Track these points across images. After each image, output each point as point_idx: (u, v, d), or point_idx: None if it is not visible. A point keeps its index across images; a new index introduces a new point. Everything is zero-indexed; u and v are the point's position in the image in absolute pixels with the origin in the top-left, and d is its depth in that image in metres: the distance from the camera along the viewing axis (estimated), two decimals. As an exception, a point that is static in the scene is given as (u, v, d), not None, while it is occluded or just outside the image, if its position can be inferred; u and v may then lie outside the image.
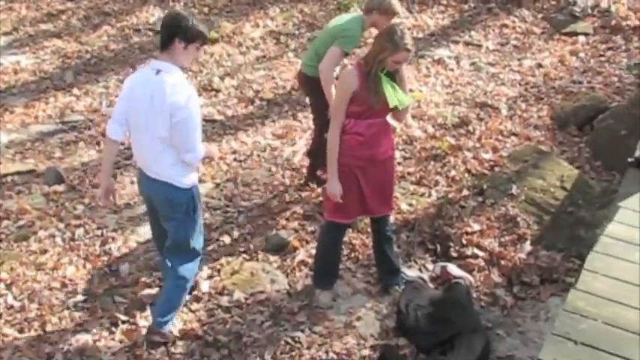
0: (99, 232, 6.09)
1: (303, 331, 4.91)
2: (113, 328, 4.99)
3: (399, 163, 6.68)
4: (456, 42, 9.68)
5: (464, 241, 5.67)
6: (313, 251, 5.51)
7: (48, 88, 8.96)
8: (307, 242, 5.81)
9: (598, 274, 4.35)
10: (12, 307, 5.21)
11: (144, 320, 5.00)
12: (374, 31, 5.81)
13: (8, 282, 5.44)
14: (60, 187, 6.76)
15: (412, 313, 4.88)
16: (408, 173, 6.70)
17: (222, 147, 7.42)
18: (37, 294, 5.32)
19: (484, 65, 9.01)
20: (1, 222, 6.21)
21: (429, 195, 6.37)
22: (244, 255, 5.72)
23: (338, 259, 5.35)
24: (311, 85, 5.92)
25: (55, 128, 8.00)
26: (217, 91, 8.68)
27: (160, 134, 4.33)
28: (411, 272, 5.41)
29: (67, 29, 10.75)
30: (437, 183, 6.54)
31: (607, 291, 4.22)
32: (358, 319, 5.01)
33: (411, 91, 7.45)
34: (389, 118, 4.91)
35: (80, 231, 6.09)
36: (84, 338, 4.90)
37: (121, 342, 4.86)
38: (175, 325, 4.93)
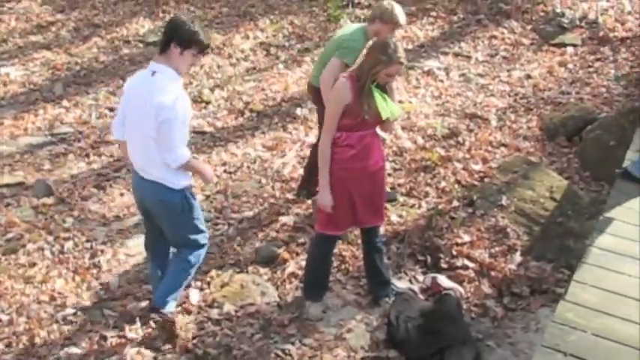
0: (88, 245, 6.06)
1: (293, 343, 4.89)
2: (102, 342, 4.95)
3: (389, 175, 6.68)
4: (446, 53, 9.71)
5: (454, 253, 5.67)
6: (303, 263, 5.50)
7: (37, 100, 8.94)
8: (297, 254, 5.80)
9: (587, 286, 4.35)
10: (0, 321, 5.17)
11: (133, 333, 4.97)
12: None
13: (-4, 296, 5.42)
14: (49, 200, 6.73)
15: (402, 324, 4.87)
16: (398, 184, 6.71)
17: (212, 159, 7.41)
18: (26, 307, 5.28)
19: (473, 76, 9.05)
20: (-11, 235, 6.18)
21: (419, 206, 6.38)
22: (234, 267, 5.71)
23: (328, 271, 5.34)
24: (318, 96, 5.90)
25: (45, 140, 7.97)
26: (207, 102, 8.68)
27: (149, 134, 4.39)
28: (401, 284, 5.41)
29: (56, 41, 10.73)
30: (427, 194, 6.55)
31: (596, 302, 4.22)
32: (348, 331, 5.00)
33: (400, 102, 7.48)
34: (377, 129, 4.92)
35: (69, 244, 6.07)
36: (73, 352, 4.87)
37: (110, 356, 4.83)
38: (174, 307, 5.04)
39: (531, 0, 10.72)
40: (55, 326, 5.11)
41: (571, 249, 5.59)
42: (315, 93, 6.02)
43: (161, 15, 11.32)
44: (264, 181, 6.97)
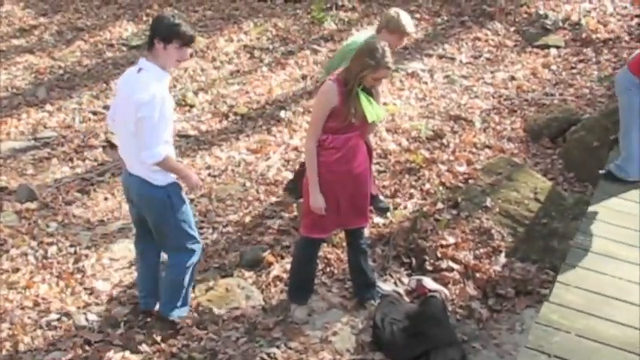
0: (72, 250, 6.03)
1: (278, 347, 4.88)
2: (87, 347, 4.93)
3: (374, 177, 6.68)
4: (430, 55, 9.73)
5: (439, 254, 5.67)
6: (288, 266, 5.49)
7: (20, 104, 8.87)
8: (282, 257, 5.80)
9: (571, 287, 4.38)
10: (-17, 327, 5.14)
11: (117, 339, 4.95)
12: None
13: (-21, 302, 5.38)
14: (32, 205, 6.69)
15: (388, 327, 4.87)
16: (383, 187, 6.71)
17: (196, 162, 7.40)
18: (9, 313, 5.24)
19: (457, 78, 9.07)
20: (-28, 241, 6.13)
21: (404, 208, 6.39)
22: (219, 271, 5.70)
23: (313, 273, 5.34)
24: None
25: (28, 145, 7.91)
26: (191, 106, 8.66)
27: (131, 129, 4.44)
28: (386, 286, 5.41)
29: (39, 45, 10.66)
30: (411, 196, 6.56)
31: (580, 303, 4.24)
32: (334, 334, 5.00)
33: (385, 104, 7.49)
34: None
35: (53, 249, 6.03)
36: (57, 357, 4.84)
37: (94, 361, 4.82)
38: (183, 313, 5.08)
39: (515, 2, 10.76)
40: (39, 332, 5.08)
41: (555, 250, 5.61)
42: None
43: (145, 18, 11.27)
44: (248, 184, 6.95)
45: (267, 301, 5.36)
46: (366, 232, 5.47)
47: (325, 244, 5.69)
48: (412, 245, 5.80)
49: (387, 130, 7.68)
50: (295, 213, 6.27)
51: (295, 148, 7.50)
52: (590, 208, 5.35)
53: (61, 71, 9.78)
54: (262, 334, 5.01)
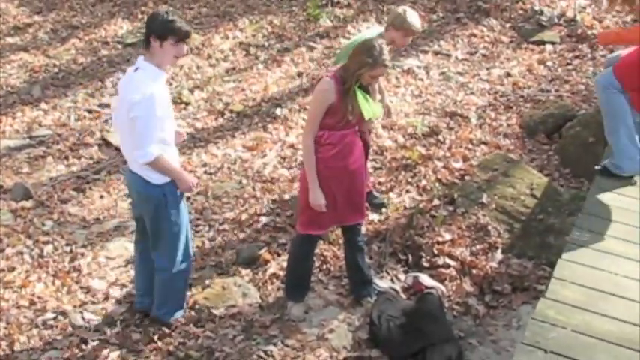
0: (68, 249, 6.01)
1: (275, 344, 4.89)
2: (83, 346, 4.92)
3: (369, 174, 6.68)
4: (425, 52, 9.72)
5: (435, 251, 5.68)
6: (285, 264, 5.49)
7: (15, 103, 8.84)
8: (278, 255, 5.80)
9: (567, 282, 4.37)
10: (-21, 326, 5.13)
11: (114, 338, 4.95)
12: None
13: (-25, 301, 5.37)
14: (28, 203, 6.67)
15: (385, 324, 4.88)
16: (379, 183, 6.71)
17: (192, 160, 7.38)
18: (5, 312, 5.23)
19: (453, 75, 9.06)
20: (-33, 239, 6.12)
21: (400, 205, 6.38)
22: (215, 269, 5.70)
23: (309, 271, 5.34)
24: None
25: (23, 143, 7.87)
26: (187, 103, 8.63)
27: (125, 128, 4.49)
28: (383, 283, 5.41)
29: (34, 43, 10.62)
30: (408, 193, 6.56)
31: (576, 299, 4.24)
32: (331, 331, 5.00)
33: (380, 101, 7.47)
34: None
35: (49, 247, 6.02)
36: (53, 356, 4.84)
37: (91, 359, 4.80)
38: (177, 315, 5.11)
39: (510, -2, 10.78)
40: (35, 331, 5.08)
41: (552, 246, 5.62)
42: None
43: (140, 16, 11.23)
44: (244, 181, 6.95)
45: (263, 298, 5.36)
46: (363, 229, 5.46)
47: (322, 242, 5.69)
48: (408, 242, 5.81)
49: (383, 127, 7.67)
50: (292, 210, 6.26)
51: (291, 146, 7.50)
52: (586, 204, 5.35)
53: (56, 69, 9.75)
54: (259, 331, 5.02)
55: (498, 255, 5.67)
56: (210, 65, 9.67)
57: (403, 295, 5.34)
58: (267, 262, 5.73)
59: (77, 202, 6.73)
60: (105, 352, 4.85)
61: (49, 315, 5.23)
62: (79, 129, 8.08)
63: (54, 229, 6.28)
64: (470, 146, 7.31)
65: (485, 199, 6.03)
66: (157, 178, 4.55)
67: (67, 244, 6.07)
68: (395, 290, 5.35)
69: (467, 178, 6.58)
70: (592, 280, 4.43)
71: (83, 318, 5.19)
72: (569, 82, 8.60)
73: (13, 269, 5.74)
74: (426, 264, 5.62)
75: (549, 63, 9.21)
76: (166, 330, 5.01)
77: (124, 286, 5.51)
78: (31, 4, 11.88)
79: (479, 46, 9.82)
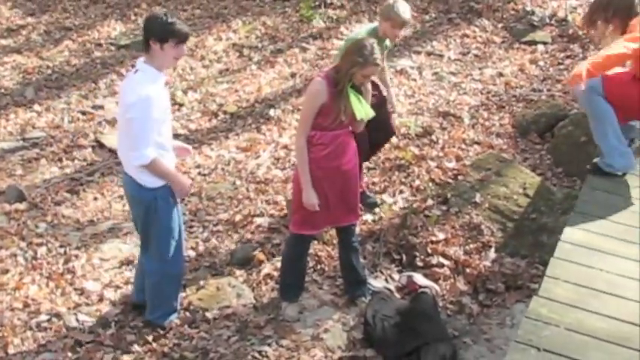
0: (62, 250, 6.00)
1: (270, 345, 4.89)
2: (77, 348, 4.92)
3: (363, 174, 6.69)
4: (418, 52, 9.74)
5: (429, 250, 5.70)
6: (279, 264, 5.49)
7: (8, 105, 8.81)
8: (273, 255, 5.80)
9: (559, 281, 4.39)
10: (-28, 329, 5.12)
11: (108, 340, 4.95)
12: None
13: (-32, 304, 5.35)
14: (21, 206, 6.65)
15: (379, 323, 4.89)
16: (373, 183, 6.72)
17: (185, 161, 7.37)
18: (-1, 315, 5.24)
19: (446, 75, 9.09)
20: (-39, 242, 6.10)
21: (394, 205, 6.40)
22: (210, 270, 5.70)
23: (303, 271, 5.34)
24: None
25: (16, 145, 7.85)
26: (180, 105, 8.63)
27: (122, 130, 4.53)
28: (377, 283, 5.43)
29: (27, 44, 10.60)
30: (401, 193, 6.57)
31: (569, 297, 4.26)
32: (325, 331, 5.00)
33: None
34: None
35: (43, 249, 6.01)
36: (48, 358, 4.83)
37: (85, 361, 4.81)
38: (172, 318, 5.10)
39: (502, -2, 10.81)
40: (29, 333, 5.06)
41: (545, 244, 5.64)
42: None
43: (133, 18, 11.24)
44: (238, 182, 6.95)
45: (258, 299, 5.37)
46: (357, 229, 5.48)
47: (316, 242, 5.70)
48: (402, 242, 5.82)
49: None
50: (285, 211, 6.27)
51: (285, 146, 7.50)
52: (579, 203, 5.37)
53: (49, 71, 9.73)
54: (253, 332, 5.02)
55: (492, 254, 5.69)
56: (203, 66, 9.67)
57: (397, 295, 5.35)
58: (261, 262, 5.73)
59: (71, 204, 6.73)
60: (99, 354, 4.84)
61: (43, 317, 5.22)
62: (72, 131, 8.07)
63: (48, 231, 6.27)
64: (463, 146, 7.33)
65: (478, 198, 6.05)
66: (150, 182, 4.53)
67: (61, 246, 6.06)
68: (389, 290, 5.36)
69: (460, 177, 6.59)
70: (585, 278, 4.44)
71: (77, 320, 5.18)
72: (561, 82, 8.63)
73: (6, 271, 5.72)
74: (419, 263, 5.64)
75: (541, 63, 9.25)
76: (161, 331, 5.01)
77: (118, 287, 5.51)
78: (24, 6, 11.86)
79: (471, 47, 9.85)
